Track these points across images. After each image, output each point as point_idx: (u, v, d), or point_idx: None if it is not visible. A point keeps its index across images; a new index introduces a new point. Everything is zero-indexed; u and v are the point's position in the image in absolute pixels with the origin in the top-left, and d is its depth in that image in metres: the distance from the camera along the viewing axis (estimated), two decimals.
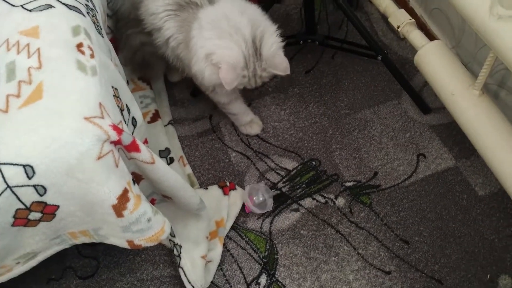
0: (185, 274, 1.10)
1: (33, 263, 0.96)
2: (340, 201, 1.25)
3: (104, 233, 0.93)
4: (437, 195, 1.24)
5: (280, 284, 1.12)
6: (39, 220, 0.85)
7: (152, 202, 1.14)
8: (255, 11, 1.06)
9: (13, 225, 0.82)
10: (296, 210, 1.25)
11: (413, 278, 1.11)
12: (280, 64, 1.02)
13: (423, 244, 1.16)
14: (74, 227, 0.90)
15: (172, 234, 1.13)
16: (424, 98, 1.41)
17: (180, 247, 1.12)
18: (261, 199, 1.15)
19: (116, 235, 0.92)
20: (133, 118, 1.06)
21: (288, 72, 1.00)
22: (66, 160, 0.77)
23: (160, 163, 0.94)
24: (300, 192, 1.28)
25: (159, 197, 1.13)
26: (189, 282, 1.08)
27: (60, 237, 0.93)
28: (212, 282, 1.13)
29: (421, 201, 1.24)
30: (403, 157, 1.32)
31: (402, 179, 1.28)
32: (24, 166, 0.76)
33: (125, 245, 0.94)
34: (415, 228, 1.19)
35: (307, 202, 1.26)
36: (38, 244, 0.91)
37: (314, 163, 1.33)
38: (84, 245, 1.21)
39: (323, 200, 1.26)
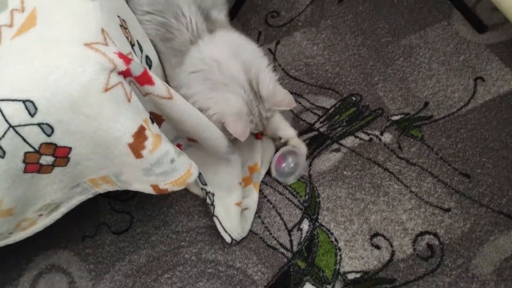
0: (220, 222, 0.99)
1: (57, 215, 0.88)
2: (387, 137, 1.09)
3: (126, 179, 0.83)
4: (501, 121, 1.05)
5: (325, 229, 0.99)
6: (53, 165, 0.75)
7: (178, 147, 1.02)
8: (246, 47, 0.97)
9: (25, 171, 0.73)
10: (337, 150, 1.10)
11: (477, 214, 0.94)
12: (283, 100, 0.92)
13: (487, 176, 0.98)
14: (93, 172, 0.81)
15: (203, 182, 1.02)
16: (478, 15, 1.20)
17: (213, 195, 1.01)
18: (291, 165, 1.03)
19: (139, 180, 0.82)
20: (147, 57, 0.93)
21: (294, 105, 0.93)
22: (69, 92, 0.66)
23: (179, 98, 0.82)
24: (341, 131, 1.13)
25: (185, 142, 1.01)
26: (225, 231, 0.98)
27: (80, 185, 0.84)
28: (250, 230, 1.02)
29: (482, 129, 1.05)
30: (458, 82, 1.13)
31: (458, 107, 1.09)
32: (23, 101, 0.66)
33: (150, 190, 0.84)
34: (476, 160, 1.01)
35: (349, 141, 1.11)
36: (58, 194, 0.82)
37: (354, 98, 1.17)
38: (116, 200, 1.14)
39: (367, 138, 1.10)
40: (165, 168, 0.80)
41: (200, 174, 0.98)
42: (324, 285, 0.94)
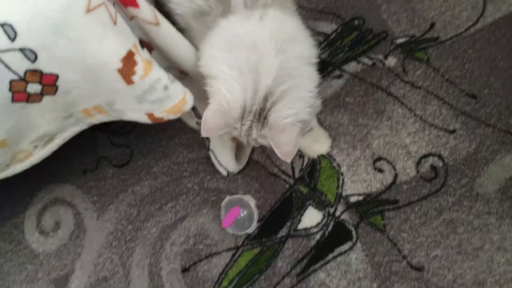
0: (215, 157, 0.95)
1: (52, 146, 0.83)
2: (391, 61, 1.02)
3: (119, 107, 0.78)
4: (511, 39, 0.97)
5: (327, 155, 0.95)
6: (41, 94, 0.70)
7: None
8: (298, 50, 0.70)
9: (13, 100, 0.68)
10: (339, 76, 1.03)
11: (483, 134, 0.90)
12: (283, 145, 0.67)
13: (495, 96, 0.93)
14: (84, 102, 0.75)
15: (198, 115, 0.96)
16: None
17: None
18: (244, 213, 0.93)
19: (132, 108, 0.76)
20: None
21: (288, 160, 0.68)
22: (49, 14, 0.59)
23: (167, 25, 0.75)
24: (343, 56, 1.05)
25: (177, 74, 0.95)
26: (220, 165, 0.94)
27: (73, 115, 0.79)
28: (251, 158, 0.99)
29: (490, 48, 0.98)
30: (466, 1, 1.05)
31: (466, 27, 1.01)
32: (1, 25, 0.59)
33: (145, 119, 0.79)
34: (484, 80, 0.95)
35: (352, 67, 1.04)
36: (51, 125, 0.77)
37: (356, 22, 1.08)
38: (115, 134, 1.10)
39: (370, 62, 1.03)
40: (158, 95, 0.75)
41: (194, 107, 0.93)
42: (327, 208, 0.92)
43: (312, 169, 0.96)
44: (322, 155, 0.97)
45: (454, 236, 0.86)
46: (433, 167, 0.91)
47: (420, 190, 0.90)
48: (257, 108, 0.66)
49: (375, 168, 0.94)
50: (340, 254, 0.90)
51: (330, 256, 0.91)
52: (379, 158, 0.94)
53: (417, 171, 0.91)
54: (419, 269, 0.86)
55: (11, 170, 0.87)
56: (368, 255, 0.89)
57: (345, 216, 0.93)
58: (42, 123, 0.77)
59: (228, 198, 0.92)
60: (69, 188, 1.13)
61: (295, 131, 0.66)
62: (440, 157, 0.91)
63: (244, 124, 0.68)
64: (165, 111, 0.77)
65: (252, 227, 0.94)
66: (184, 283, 0.97)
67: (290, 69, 0.66)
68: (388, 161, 0.93)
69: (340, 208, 0.93)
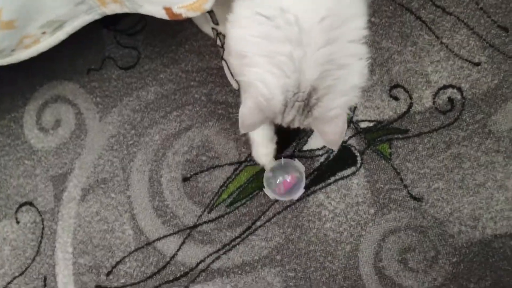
0: (228, 67, 1.04)
1: (61, 35, 0.93)
2: None
3: None
4: None
5: None
6: None
7: None
8: (351, 34, 0.67)
9: None
10: None
11: (508, 70, 0.97)
12: (329, 134, 0.69)
13: None
14: None
15: (215, 22, 1.04)
16: None
17: (224, 36, 1.04)
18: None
19: (151, 0, 0.85)
20: None
21: (335, 149, 0.70)
22: None
23: None
24: None
25: None
26: (233, 77, 1.03)
27: (86, 2, 0.87)
28: None
29: None
30: None
31: None
32: None
33: (162, 14, 0.87)
34: None
35: None
36: (62, 10, 0.86)
37: None
38: (123, 34, 1.18)
39: None
40: None
41: (212, 11, 1.00)
42: None
43: None
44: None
45: (458, 170, 0.97)
46: (450, 100, 1.00)
47: (432, 122, 1.00)
48: (301, 105, 0.66)
49: (391, 96, 1.03)
50: (342, 178, 1.02)
51: (332, 179, 1.03)
52: (397, 85, 1.03)
53: (433, 102, 1.00)
54: (418, 199, 0.98)
55: (16, 56, 0.96)
56: (369, 182, 1.01)
57: (352, 141, 1.03)
58: (53, 6, 0.85)
59: (279, 161, 0.96)
60: (71, 86, 1.23)
61: (342, 120, 0.67)
62: (459, 89, 1.00)
63: (285, 117, 0.69)
64: (184, 7, 0.84)
65: (298, 194, 0.98)
66: (183, 191, 1.11)
67: (339, 60, 0.64)
68: (405, 89, 1.02)
69: (348, 133, 1.03)
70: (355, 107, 1.01)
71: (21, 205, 1.14)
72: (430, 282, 0.91)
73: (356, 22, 0.67)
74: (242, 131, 0.69)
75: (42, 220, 1.12)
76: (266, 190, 0.97)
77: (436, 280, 0.91)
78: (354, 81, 0.68)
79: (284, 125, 0.72)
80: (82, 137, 1.15)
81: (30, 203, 1.14)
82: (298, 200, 0.99)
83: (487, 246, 0.89)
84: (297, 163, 0.97)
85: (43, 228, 1.12)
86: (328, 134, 0.69)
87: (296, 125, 0.71)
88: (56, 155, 1.16)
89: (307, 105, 0.67)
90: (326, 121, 0.68)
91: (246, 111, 0.67)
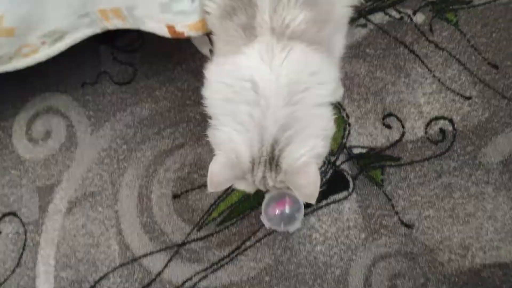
0: None
1: (61, 46, 0.89)
2: (419, 18, 1.08)
3: (139, 14, 0.83)
4: None
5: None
6: None
7: None
8: (314, 99, 0.70)
9: None
10: (364, 25, 1.09)
11: (498, 106, 0.98)
12: (302, 187, 0.67)
13: None
14: (104, 1, 0.80)
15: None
16: None
17: None
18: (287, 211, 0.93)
19: (154, 17, 0.82)
20: None
21: (313, 201, 0.68)
22: None
23: None
24: (370, 5, 1.10)
25: None
26: None
27: (89, 15, 0.84)
28: None
29: None
30: None
31: None
32: None
33: (164, 31, 0.84)
34: (509, 52, 1.02)
35: (378, 17, 1.10)
36: (64, 21, 0.83)
37: None
38: (120, 50, 1.15)
39: (397, 16, 1.09)
40: (184, 7, 0.80)
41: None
42: (328, 156, 1.00)
43: None
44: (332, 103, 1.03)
45: (449, 199, 0.95)
46: (442, 131, 0.99)
47: (424, 151, 0.98)
48: (266, 159, 0.68)
49: (384, 124, 1.02)
50: (334, 202, 0.99)
51: (324, 202, 0.99)
52: (390, 114, 1.02)
53: (425, 132, 0.99)
54: (409, 226, 0.95)
55: (14, 64, 0.92)
56: (361, 207, 0.98)
57: (345, 166, 1.01)
58: (55, 17, 0.82)
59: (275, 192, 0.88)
60: (64, 99, 1.19)
61: (312, 169, 0.66)
62: (451, 121, 0.99)
63: (255, 176, 0.70)
64: (187, 26, 0.83)
65: (295, 226, 0.94)
66: (173, 208, 1.06)
67: (298, 117, 0.67)
68: (398, 118, 1.01)
69: (341, 158, 1.01)
70: (349, 133, 0.98)
71: (4, 215, 1.08)
72: None
73: (320, 90, 0.70)
74: (209, 189, 0.67)
75: (25, 232, 1.06)
76: (262, 218, 0.93)
77: None
78: (318, 130, 0.69)
79: (259, 186, 0.72)
80: (72, 150, 1.10)
81: (14, 214, 1.08)
82: (289, 222, 0.94)
83: (476, 275, 0.87)
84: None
85: (25, 240, 1.06)
86: (301, 187, 0.67)
87: (270, 184, 0.70)
88: (44, 166, 1.10)
89: (273, 159, 0.67)
90: (297, 173, 0.67)
91: (216, 168, 0.67)
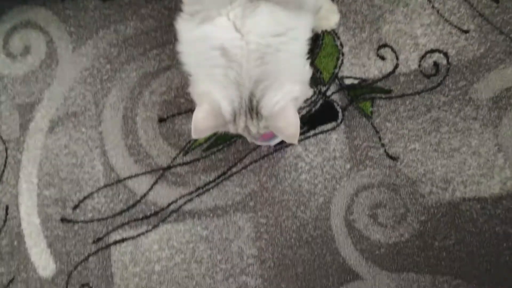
0: None
1: None
2: None
3: None
4: None
5: (332, 32, 0.96)
6: None
7: None
8: (285, 56, 0.69)
9: None
10: None
11: (495, 41, 0.93)
12: (284, 129, 0.68)
13: None
14: None
15: None
16: None
17: None
18: None
19: None
20: None
21: (295, 142, 0.69)
22: None
23: None
24: None
25: None
26: None
27: None
28: None
29: None
30: None
31: None
32: None
33: None
34: None
35: None
36: None
37: None
38: None
39: None
40: None
41: None
42: (319, 86, 0.96)
43: (314, 44, 0.97)
44: (327, 31, 0.96)
45: (436, 134, 0.93)
46: (436, 64, 0.95)
47: (416, 85, 0.94)
48: (246, 110, 0.69)
49: (378, 55, 0.96)
50: (322, 132, 0.96)
51: (312, 132, 0.96)
52: (385, 45, 0.96)
53: (419, 65, 0.95)
54: (394, 158, 0.93)
55: None
56: (348, 138, 0.95)
57: (335, 97, 0.97)
58: None
59: None
60: (44, 13, 1.09)
61: (290, 112, 0.68)
62: (446, 54, 0.95)
63: (238, 125, 0.71)
64: None
65: (276, 141, 0.92)
66: (159, 132, 1.01)
67: (271, 71, 0.68)
68: (392, 49, 0.96)
69: (332, 88, 0.96)
70: (342, 62, 0.92)
71: None
72: (397, 237, 0.88)
73: (292, 46, 0.70)
74: (194, 136, 0.69)
75: (6, 149, 1.02)
76: None
77: (402, 236, 0.88)
78: (293, 76, 0.70)
79: (242, 133, 0.74)
80: (53, 67, 1.03)
81: None
82: (275, 150, 0.91)
83: (455, 208, 0.88)
84: None
85: (6, 157, 1.03)
86: (283, 129, 0.69)
87: (254, 131, 0.72)
88: (23, 83, 1.04)
89: (252, 110, 0.69)
90: (276, 118, 0.68)
91: (200, 115, 0.68)
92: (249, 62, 0.67)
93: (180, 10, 0.74)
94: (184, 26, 0.73)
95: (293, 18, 0.71)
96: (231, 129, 0.73)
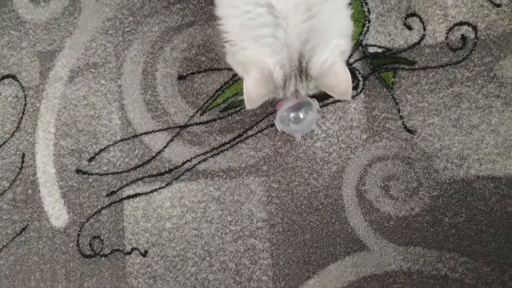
0: None
1: None
2: None
3: None
4: None
5: None
6: None
7: None
8: (330, 12, 0.81)
9: None
10: None
11: None
12: (336, 87, 0.81)
13: None
14: None
15: None
16: None
17: None
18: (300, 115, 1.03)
19: None
20: None
21: (348, 97, 0.82)
22: None
23: None
24: None
25: None
26: None
27: None
28: None
29: None
30: None
31: None
32: None
33: None
34: None
35: None
36: None
37: None
38: None
39: None
40: None
41: None
42: None
43: None
44: None
45: (456, 109, 1.10)
46: (463, 37, 1.11)
47: (440, 58, 1.11)
48: (296, 72, 0.82)
49: (405, 24, 1.13)
50: (341, 100, 1.14)
51: (330, 99, 1.15)
52: (413, 14, 1.13)
53: (446, 38, 1.11)
54: (411, 131, 1.11)
55: None
56: (367, 108, 1.13)
57: (357, 65, 1.14)
58: None
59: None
60: None
61: (340, 67, 0.80)
62: (474, 28, 1.11)
63: (287, 89, 0.84)
64: None
65: (303, 126, 1.04)
66: (177, 89, 1.21)
67: (318, 28, 0.79)
68: (421, 19, 1.12)
69: (355, 56, 1.14)
70: (367, 30, 1.09)
71: (3, 77, 1.24)
72: (407, 211, 1.06)
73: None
74: (248, 106, 0.82)
75: (25, 96, 1.23)
76: (276, 121, 1.06)
77: (413, 210, 1.07)
78: (338, 31, 0.83)
79: (291, 96, 0.87)
80: (76, 15, 1.23)
81: (13, 77, 1.24)
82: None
83: (468, 185, 1.05)
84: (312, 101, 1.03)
85: (25, 104, 1.24)
86: (334, 87, 0.82)
87: (304, 94, 0.86)
88: (45, 30, 1.25)
89: (302, 72, 0.82)
90: (326, 76, 0.81)
91: (251, 84, 0.80)
92: (297, 16, 0.77)
93: None
94: None
95: None
96: (280, 94, 0.86)
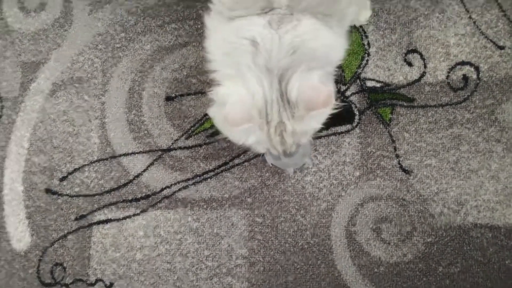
0: None
1: None
2: None
3: None
4: None
5: (361, 29, 1.16)
6: None
7: None
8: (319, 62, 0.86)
9: None
10: None
11: None
12: (314, 98, 0.80)
13: None
14: None
15: None
16: None
17: None
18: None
19: None
20: None
21: (332, 102, 0.80)
22: None
23: None
24: None
25: None
26: None
27: None
28: None
29: None
30: None
31: None
32: None
33: None
34: None
35: None
36: None
37: None
38: None
39: None
40: None
41: None
42: (339, 84, 1.15)
43: None
44: (355, 26, 1.17)
45: (455, 152, 1.11)
46: (465, 78, 1.13)
47: (441, 97, 1.13)
48: (277, 94, 0.83)
49: (405, 60, 1.16)
50: (335, 134, 1.15)
51: (324, 132, 1.15)
52: (414, 51, 1.15)
53: (447, 76, 1.13)
54: (407, 171, 1.11)
55: None
56: (362, 143, 1.14)
57: (354, 98, 1.16)
58: None
59: None
60: None
61: (316, 80, 0.83)
62: (477, 69, 1.13)
63: (270, 119, 0.84)
64: None
65: (296, 161, 1.02)
66: (164, 111, 1.22)
67: (301, 60, 0.83)
68: (422, 56, 1.15)
69: (352, 89, 1.15)
70: (366, 63, 1.11)
71: None
72: (399, 257, 1.05)
73: (326, 58, 0.89)
74: (228, 133, 0.89)
75: (2, 107, 1.22)
76: (266, 155, 1.03)
77: (405, 256, 1.05)
78: (321, 61, 0.86)
79: (274, 139, 0.86)
80: (66, 27, 1.25)
81: None
82: None
83: (465, 233, 1.05)
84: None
85: (1, 116, 1.20)
86: (312, 99, 0.81)
87: (289, 129, 0.84)
88: (32, 40, 1.27)
89: (283, 96, 0.82)
90: (302, 91, 0.82)
91: (232, 105, 0.81)
92: (280, 53, 0.82)
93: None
94: (214, 22, 0.91)
95: (330, 36, 0.88)
96: (264, 131, 0.84)
